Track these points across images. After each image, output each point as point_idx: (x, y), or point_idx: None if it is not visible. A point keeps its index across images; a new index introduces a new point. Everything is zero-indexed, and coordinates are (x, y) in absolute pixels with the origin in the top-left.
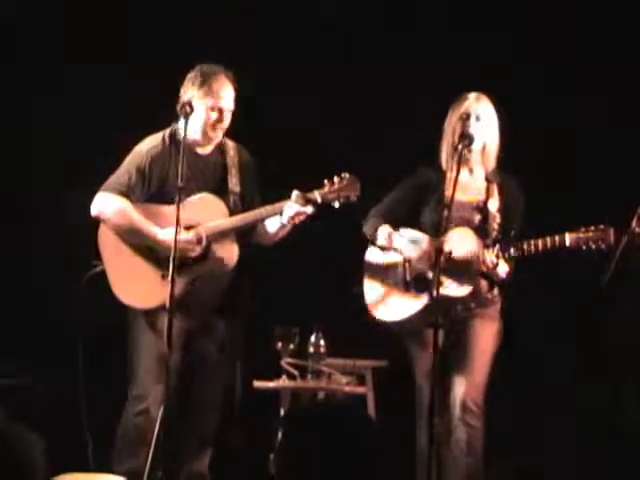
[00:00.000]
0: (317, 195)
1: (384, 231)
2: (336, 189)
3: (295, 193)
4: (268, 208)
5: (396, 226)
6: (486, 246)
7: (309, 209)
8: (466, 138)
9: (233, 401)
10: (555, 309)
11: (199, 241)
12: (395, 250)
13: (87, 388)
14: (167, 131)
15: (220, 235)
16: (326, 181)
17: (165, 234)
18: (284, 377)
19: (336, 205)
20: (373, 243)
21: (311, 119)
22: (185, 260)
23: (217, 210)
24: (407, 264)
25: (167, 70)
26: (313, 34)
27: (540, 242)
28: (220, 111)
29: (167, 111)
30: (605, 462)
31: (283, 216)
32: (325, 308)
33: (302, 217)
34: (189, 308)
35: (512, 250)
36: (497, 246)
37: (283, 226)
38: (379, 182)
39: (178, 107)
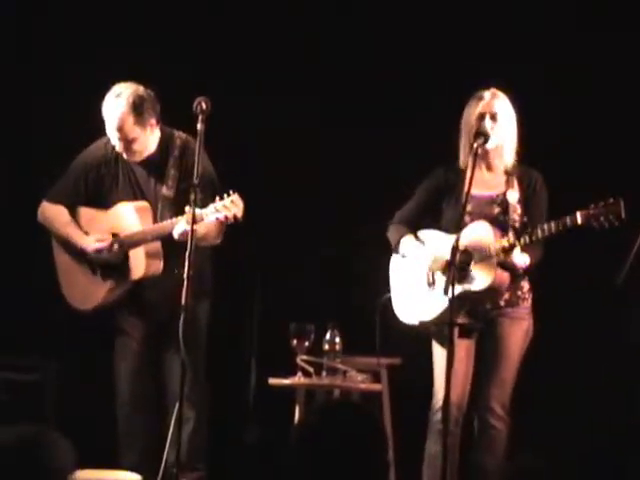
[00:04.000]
0: (203, 213)
1: (406, 243)
2: (220, 208)
3: (187, 210)
4: (166, 223)
5: (418, 229)
6: (502, 236)
7: (198, 226)
8: (481, 136)
9: (248, 398)
10: (565, 308)
11: (119, 247)
12: (419, 258)
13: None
14: None
15: (135, 244)
16: (217, 198)
17: (88, 245)
18: (299, 374)
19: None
20: (396, 251)
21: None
22: (106, 265)
23: (140, 219)
24: (431, 267)
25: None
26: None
27: (553, 225)
28: (121, 139)
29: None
30: (616, 465)
31: (174, 233)
32: (341, 305)
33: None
34: (137, 310)
35: (526, 236)
36: (510, 234)
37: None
38: (401, 184)
39: (194, 104)
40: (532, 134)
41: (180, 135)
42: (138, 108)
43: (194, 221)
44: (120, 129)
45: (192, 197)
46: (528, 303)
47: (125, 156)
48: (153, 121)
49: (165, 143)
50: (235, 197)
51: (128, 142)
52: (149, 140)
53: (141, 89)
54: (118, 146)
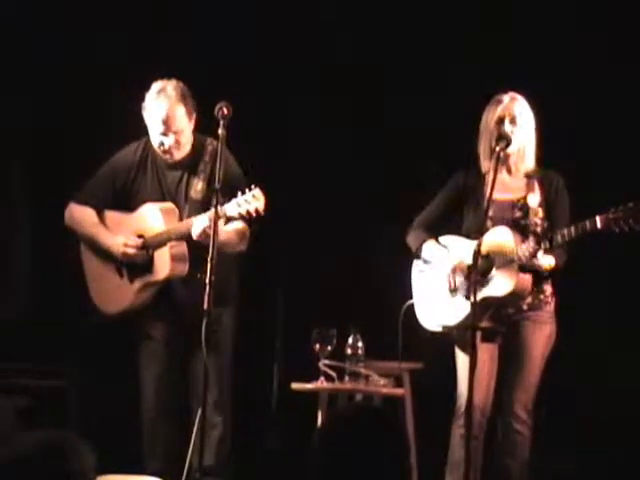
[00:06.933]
0: (225, 208)
1: (429, 248)
2: (242, 202)
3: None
4: (188, 220)
5: (438, 234)
6: (523, 240)
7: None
8: (503, 140)
9: (271, 403)
10: (595, 307)
11: (144, 247)
12: (440, 263)
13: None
14: (144, 140)
15: (160, 244)
16: (239, 193)
17: (115, 243)
18: (322, 379)
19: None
20: (417, 257)
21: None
22: (133, 265)
23: (165, 220)
24: (452, 272)
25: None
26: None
27: (573, 229)
28: (167, 132)
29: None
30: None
31: (193, 229)
32: (363, 310)
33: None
34: (163, 315)
35: (546, 242)
36: (532, 238)
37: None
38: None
39: (215, 109)
40: (551, 137)
41: (212, 142)
42: (185, 98)
43: (217, 220)
44: (168, 119)
45: (213, 201)
46: (551, 307)
47: (166, 155)
48: (194, 115)
49: (198, 148)
50: (256, 191)
51: (174, 135)
52: (190, 136)
53: (180, 83)
54: (165, 143)
